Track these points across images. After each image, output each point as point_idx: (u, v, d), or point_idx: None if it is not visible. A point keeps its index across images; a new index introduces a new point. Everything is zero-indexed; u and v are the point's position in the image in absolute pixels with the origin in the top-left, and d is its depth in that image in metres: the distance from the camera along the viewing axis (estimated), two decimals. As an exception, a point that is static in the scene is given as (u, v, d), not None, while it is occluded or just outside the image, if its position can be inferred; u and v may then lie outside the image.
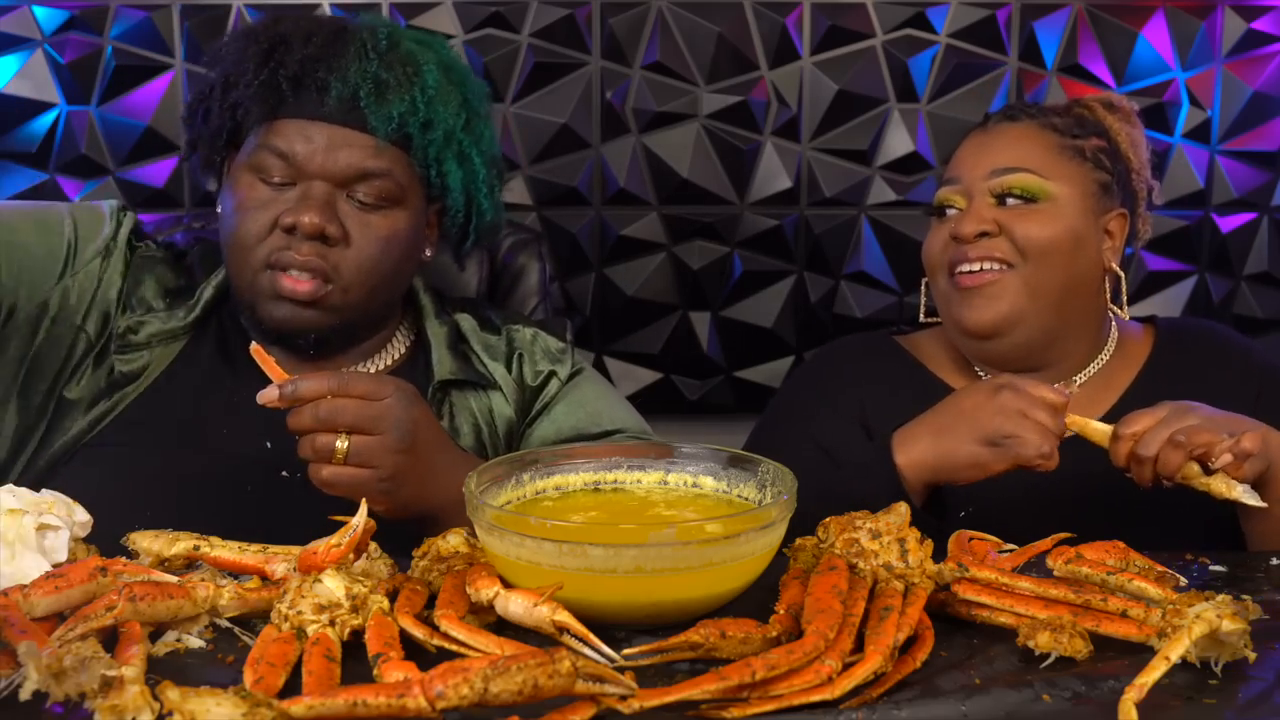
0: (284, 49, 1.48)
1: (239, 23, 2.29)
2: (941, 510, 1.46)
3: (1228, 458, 1.29)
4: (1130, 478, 1.36)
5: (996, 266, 1.57)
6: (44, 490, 1.16)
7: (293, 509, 1.32)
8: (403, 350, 1.64)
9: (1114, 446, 1.36)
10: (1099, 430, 1.37)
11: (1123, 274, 1.64)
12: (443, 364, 1.59)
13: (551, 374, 1.64)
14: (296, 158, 1.46)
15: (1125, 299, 1.64)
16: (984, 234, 1.57)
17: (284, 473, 1.45)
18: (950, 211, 1.63)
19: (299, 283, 1.46)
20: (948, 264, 1.61)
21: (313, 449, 1.25)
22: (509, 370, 1.63)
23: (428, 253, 1.61)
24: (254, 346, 1.28)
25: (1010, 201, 1.59)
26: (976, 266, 1.58)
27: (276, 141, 1.47)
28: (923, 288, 1.72)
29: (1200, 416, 1.33)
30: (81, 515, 1.17)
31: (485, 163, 1.59)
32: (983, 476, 1.39)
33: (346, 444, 1.25)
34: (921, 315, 1.72)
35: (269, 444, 1.47)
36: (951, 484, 1.41)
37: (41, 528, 1.13)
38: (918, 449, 1.41)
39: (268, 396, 1.24)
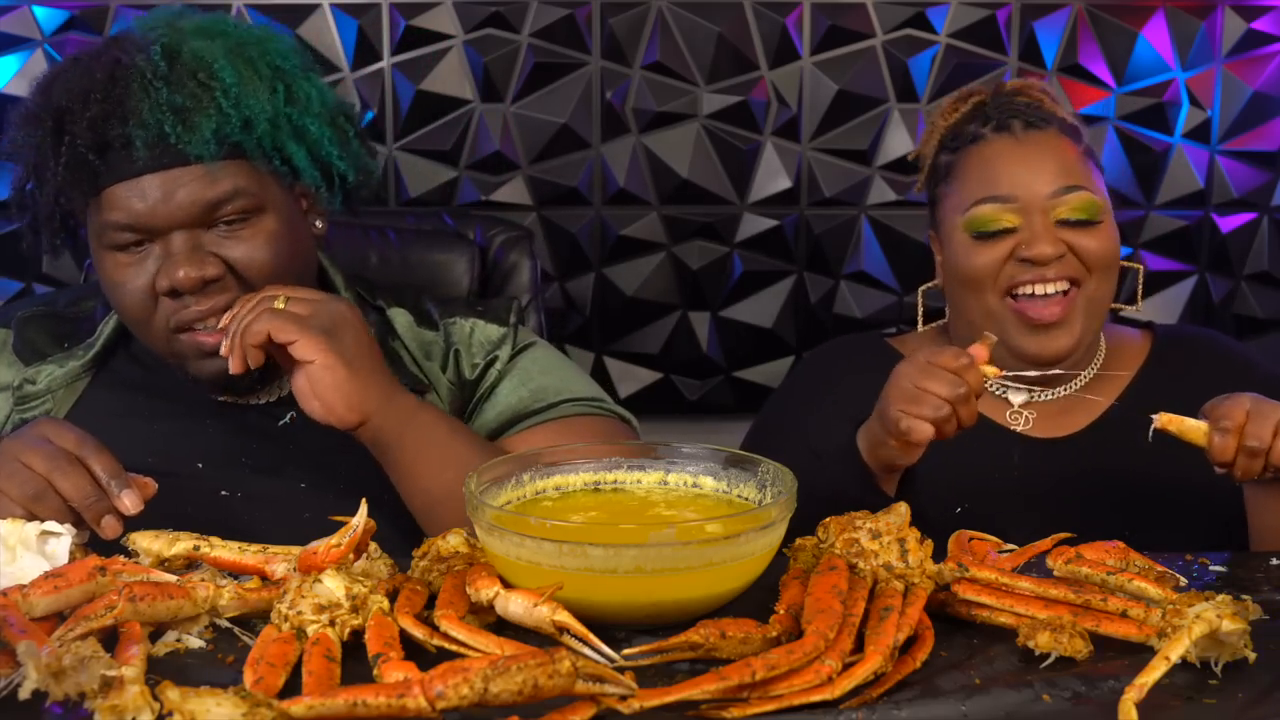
0: (68, 120, 1.39)
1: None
2: (912, 493, 1.42)
3: None
4: (1226, 475, 1.31)
5: (1066, 287, 1.54)
6: None
7: (238, 529, 1.30)
8: None
9: (1219, 441, 1.29)
10: (1196, 428, 1.31)
11: (1140, 267, 1.64)
12: None
13: (489, 364, 1.56)
14: (139, 220, 1.38)
15: (1140, 295, 1.64)
16: (1060, 257, 1.53)
17: (223, 492, 1.43)
18: (1001, 233, 1.55)
19: (214, 337, 1.40)
20: (1005, 286, 1.55)
21: (253, 307, 1.32)
22: (444, 369, 1.56)
23: (318, 225, 1.54)
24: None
25: (1070, 221, 1.54)
26: (1051, 289, 1.53)
27: (113, 215, 1.39)
28: (920, 295, 1.69)
29: (1277, 411, 1.30)
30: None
31: (323, 123, 1.49)
32: (897, 453, 1.34)
33: (284, 302, 1.32)
34: (920, 324, 1.69)
35: (200, 465, 1.46)
36: (888, 467, 1.38)
37: (43, 534, 1.13)
38: (864, 437, 1.40)
39: (227, 345, 1.34)
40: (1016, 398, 1.61)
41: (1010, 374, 1.44)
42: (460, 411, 1.56)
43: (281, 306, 1.33)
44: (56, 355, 1.53)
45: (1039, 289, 1.54)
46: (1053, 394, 1.62)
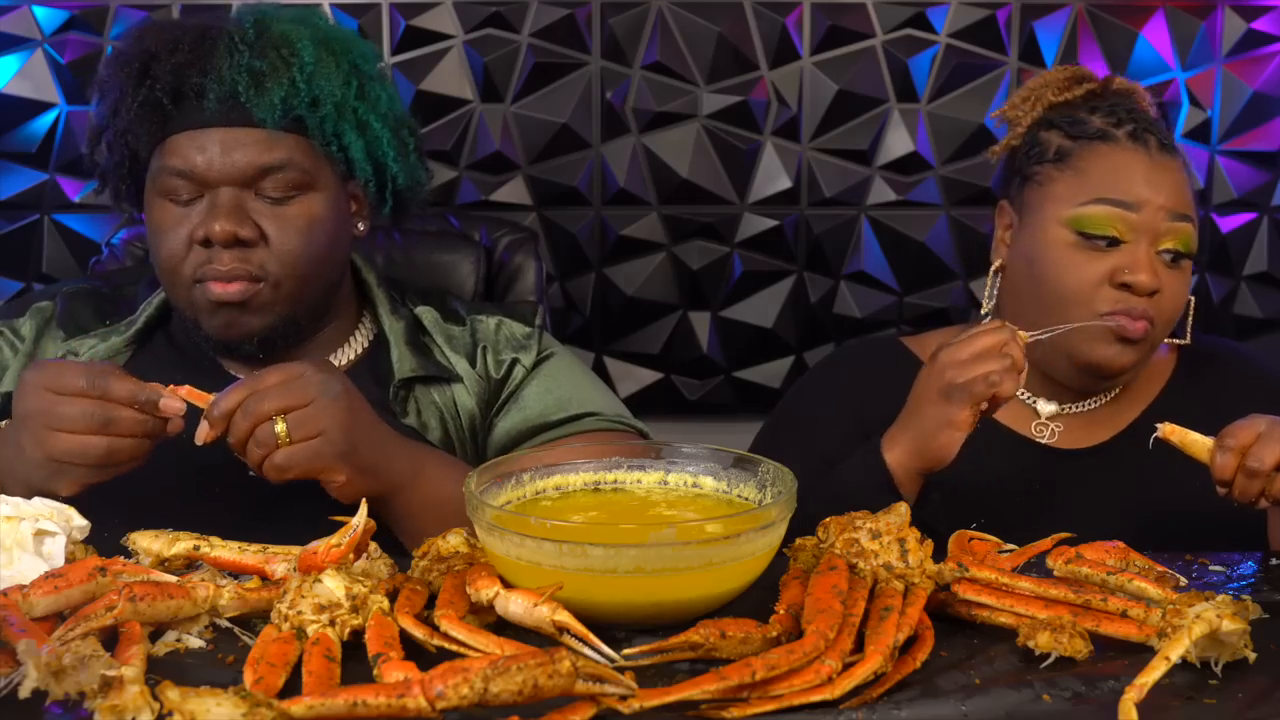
0: (154, 64, 1.46)
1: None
2: (926, 505, 1.43)
3: None
4: (1227, 495, 1.29)
5: (1148, 332, 1.51)
6: (36, 499, 1.16)
7: (265, 507, 1.33)
8: (364, 345, 1.62)
9: (1220, 459, 1.27)
10: (1198, 442, 1.29)
11: (1192, 299, 1.59)
12: (402, 361, 1.57)
13: (515, 361, 1.60)
14: (195, 170, 1.45)
15: (1190, 326, 1.60)
16: (1154, 292, 1.50)
17: (251, 472, 1.44)
18: (1108, 241, 1.50)
19: (227, 286, 1.45)
20: (1103, 311, 1.49)
21: (256, 444, 1.27)
22: (471, 364, 1.60)
23: (360, 227, 1.59)
24: (185, 389, 1.29)
25: (1170, 253, 1.51)
26: (1139, 321, 1.50)
27: (172, 161, 1.46)
28: (990, 278, 1.61)
29: None
30: (79, 520, 1.17)
31: (386, 125, 1.55)
32: (958, 435, 1.35)
33: (284, 424, 1.27)
34: (986, 305, 1.62)
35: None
36: (938, 462, 1.37)
37: (39, 533, 1.13)
38: (899, 441, 1.40)
39: (201, 435, 1.28)
40: (1046, 408, 1.59)
41: (1040, 332, 1.41)
42: (487, 405, 1.60)
43: (284, 432, 1.27)
44: (99, 330, 1.57)
45: (1127, 320, 1.49)
46: (1082, 407, 1.60)
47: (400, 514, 1.37)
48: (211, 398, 1.29)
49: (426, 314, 1.62)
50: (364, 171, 1.54)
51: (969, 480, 1.45)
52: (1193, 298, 1.59)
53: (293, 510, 1.26)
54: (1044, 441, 1.59)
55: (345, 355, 1.60)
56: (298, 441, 1.27)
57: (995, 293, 1.62)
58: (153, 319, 1.58)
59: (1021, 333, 1.33)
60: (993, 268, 1.62)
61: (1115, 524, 1.49)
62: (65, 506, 1.17)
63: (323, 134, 1.49)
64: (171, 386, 1.28)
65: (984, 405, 1.34)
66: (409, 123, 1.62)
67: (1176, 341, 1.60)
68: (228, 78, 1.45)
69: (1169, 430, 1.29)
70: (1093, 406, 1.60)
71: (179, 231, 1.46)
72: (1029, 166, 1.58)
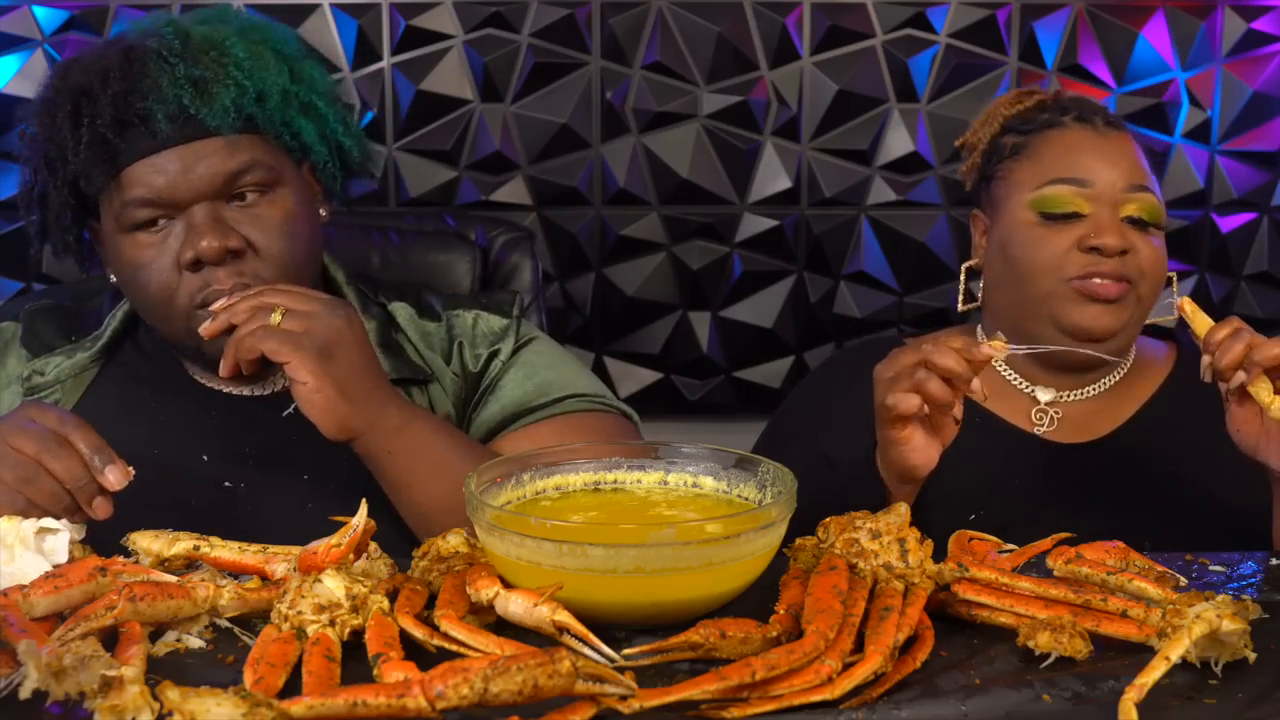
0: (88, 101, 1.42)
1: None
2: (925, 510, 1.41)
3: None
4: (1210, 370, 1.30)
5: (1124, 289, 1.54)
6: None
7: (241, 520, 1.31)
8: None
9: (1215, 325, 1.30)
10: (1205, 320, 1.32)
11: (1174, 275, 1.63)
12: None
13: (493, 355, 1.58)
14: (161, 195, 1.41)
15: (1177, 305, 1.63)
16: (1123, 251, 1.53)
17: (226, 483, 1.43)
18: (1069, 217, 1.56)
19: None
20: (1073, 276, 1.54)
21: (248, 312, 1.29)
22: (447, 361, 1.57)
23: (322, 213, 1.56)
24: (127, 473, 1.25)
25: (1135, 221, 1.55)
26: (1113, 282, 1.53)
27: (135, 192, 1.41)
28: (963, 274, 1.68)
29: None
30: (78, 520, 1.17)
31: (327, 101, 1.53)
32: (901, 450, 1.31)
33: (280, 314, 1.29)
34: (961, 304, 1.68)
35: (205, 457, 1.46)
36: (904, 474, 1.34)
37: (41, 531, 1.13)
38: (878, 444, 1.39)
39: (210, 327, 1.32)
40: (1044, 395, 1.61)
41: (1022, 347, 1.44)
42: (465, 403, 1.56)
43: (278, 320, 1.30)
44: (64, 347, 1.54)
45: (1100, 280, 1.53)
46: (1075, 395, 1.61)
47: (384, 456, 1.36)
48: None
49: (401, 311, 1.59)
50: (320, 153, 1.52)
51: (968, 474, 1.45)
52: (1173, 274, 1.62)
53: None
54: (1042, 434, 1.60)
55: None
56: (287, 328, 1.29)
57: (964, 291, 1.69)
58: (118, 331, 1.56)
59: (996, 343, 1.28)
60: (964, 265, 1.69)
61: (1113, 519, 1.49)
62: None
63: (274, 126, 1.47)
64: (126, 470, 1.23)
65: (923, 411, 1.29)
66: (339, 95, 1.59)
67: (1162, 322, 1.64)
68: (170, 94, 1.40)
69: (1185, 301, 1.33)
70: (1090, 395, 1.61)
71: (162, 261, 1.42)
72: (991, 168, 1.66)
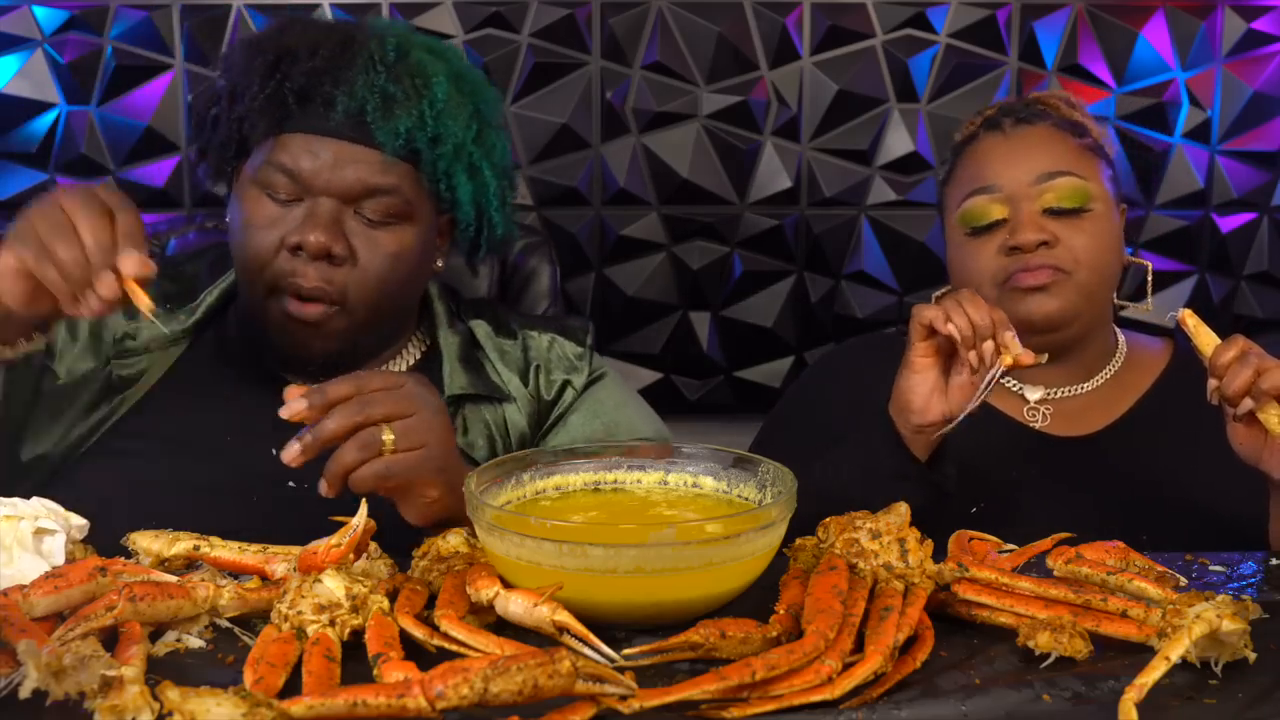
0: (289, 61, 1.45)
1: (239, 23, 2.29)
2: (943, 482, 1.42)
3: None
4: (1215, 395, 1.29)
5: (1051, 278, 1.55)
6: (34, 499, 1.16)
7: (302, 521, 1.30)
8: (415, 359, 1.60)
9: (1223, 345, 1.28)
10: (1209, 336, 1.30)
11: (1149, 264, 1.65)
12: (454, 378, 1.55)
13: (567, 384, 1.60)
14: (302, 174, 1.44)
15: (1150, 291, 1.64)
16: (1044, 243, 1.54)
17: (291, 484, 1.42)
18: (993, 226, 1.58)
19: (306, 307, 1.44)
20: (1002, 280, 1.57)
21: (359, 446, 1.19)
22: (524, 382, 1.59)
23: (439, 263, 1.58)
24: (287, 389, 1.22)
25: (1057, 211, 1.56)
26: (1036, 271, 1.55)
27: (282, 157, 1.44)
28: (934, 299, 1.71)
29: None
30: (77, 520, 1.17)
31: (496, 174, 1.55)
32: (905, 372, 1.38)
33: (391, 433, 1.20)
34: None
35: (275, 452, 1.46)
36: (903, 406, 1.38)
37: (39, 532, 1.13)
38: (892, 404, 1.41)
39: (294, 409, 1.19)
40: (1032, 394, 1.61)
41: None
42: (536, 425, 1.59)
43: (389, 438, 1.20)
44: (159, 315, 1.52)
45: (1028, 278, 1.55)
46: (1070, 391, 1.62)
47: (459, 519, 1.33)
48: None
49: (480, 328, 1.61)
50: (466, 215, 1.53)
51: (967, 462, 1.46)
52: (1149, 264, 1.64)
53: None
54: (1037, 427, 1.60)
55: (396, 368, 1.59)
56: (402, 451, 1.20)
57: None
58: (210, 310, 1.56)
59: (1189, 312, 1.31)
60: (936, 293, 1.70)
61: (1107, 512, 1.49)
62: (60, 508, 1.17)
63: (434, 171, 1.48)
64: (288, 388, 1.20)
65: (944, 330, 1.33)
66: (511, 175, 1.61)
67: (1134, 308, 1.64)
68: (359, 93, 1.43)
69: (1187, 315, 1.32)
70: (1084, 391, 1.63)
71: (271, 232, 1.44)
72: (940, 192, 1.72)
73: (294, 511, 1.35)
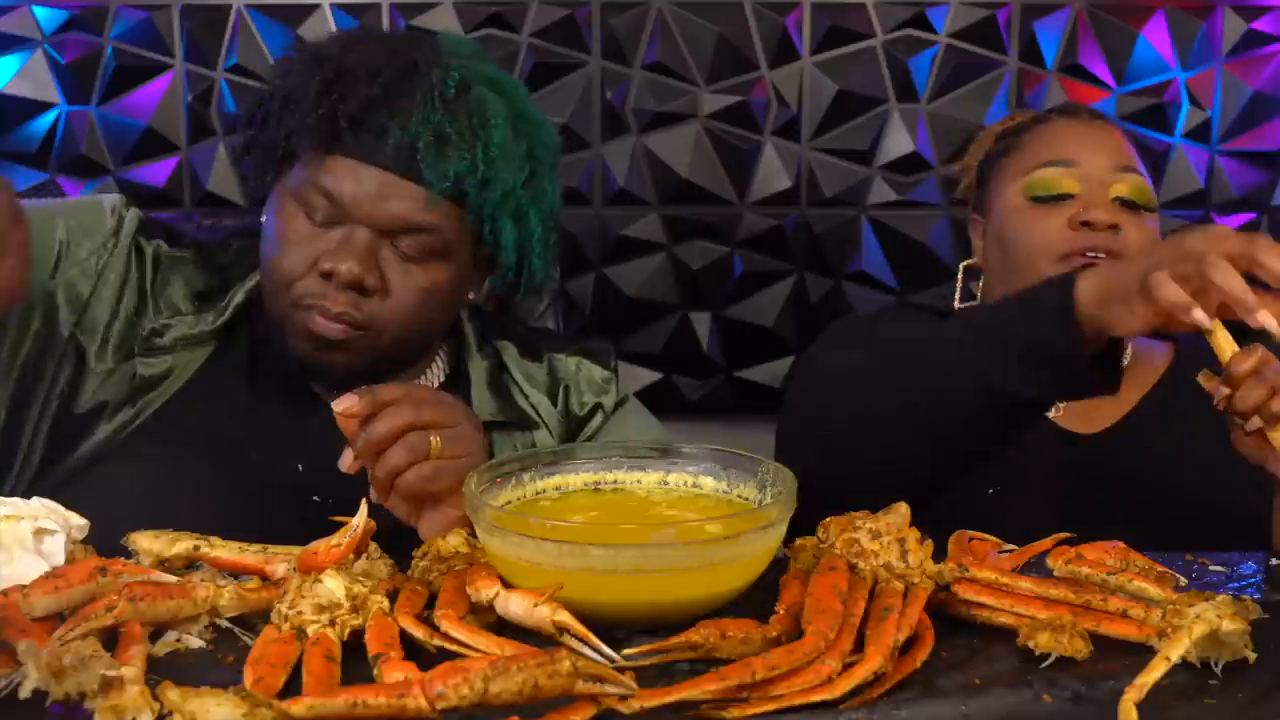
0: (348, 83, 1.41)
1: (239, 23, 2.29)
2: (1116, 376, 1.32)
3: None
4: (1225, 404, 1.25)
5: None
6: (35, 499, 1.16)
7: (323, 535, 1.30)
8: (439, 380, 1.58)
9: (1240, 356, 1.24)
10: (1226, 339, 1.25)
11: None
12: (482, 405, 1.53)
13: (597, 406, 1.59)
14: (344, 199, 1.40)
15: None
16: (1113, 227, 1.56)
17: (315, 498, 1.40)
18: (1060, 198, 1.59)
19: (330, 323, 1.41)
20: (1066, 252, 1.56)
21: (407, 448, 1.19)
22: (554, 404, 1.57)
23: (471, 295, 1.55)
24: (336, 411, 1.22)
25: (1127, 202, 1.59)
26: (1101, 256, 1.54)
27: (325, 180, 1.41)
28: (961, 273, 1.72)
29: None
30: (77, 520, 1.17)
31: (542, 221, 1.50)
32: (1124, 312, 1.22)
33: (438, 439, 1.20)
34: (958, 303, 1.71)
35: (300, 467, 1.44)
36: (1097, 322, 1.24)
37: (39, 532, 1.13)
38: (1096, 277, 1.27)
39: (345, 403, 1.19)
40: None
41: None
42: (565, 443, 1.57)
43: (437, 441, 1.20)
44: (187, 314, 1.52)
45: (1094, 254, 1.55)
46: None
47: None
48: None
49: (507, 349, 1.59)
50: (508, 260, 1.48)
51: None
52: None
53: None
54: (1051, 416, 1.61)
55: None
56: (447, 458, 1.21)
57: (961, 290, 1.72)
58: (237, 313, 1.52)
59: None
60: (963, 264, 1.73)
61: (1109, 510, 1.49)
62: (60, 507, 1.17)
63: (480, 214, 1.44)
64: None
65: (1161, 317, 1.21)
66: (558, 221, 1.57)
67: None
68: (414, 129, 1.39)
69: (1216, 324, 1.24)
70: None
71: (304, 251, 1.41)
72: (985, 172, 1.72)
73: (316, 525, 1.34)
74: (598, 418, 1.59)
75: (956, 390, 1.32)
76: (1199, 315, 1.19)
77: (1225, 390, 1.25)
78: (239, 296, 1.53)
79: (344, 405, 1.20)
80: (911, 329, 1.50)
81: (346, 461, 1.21)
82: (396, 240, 1.42)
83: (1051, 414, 1.61)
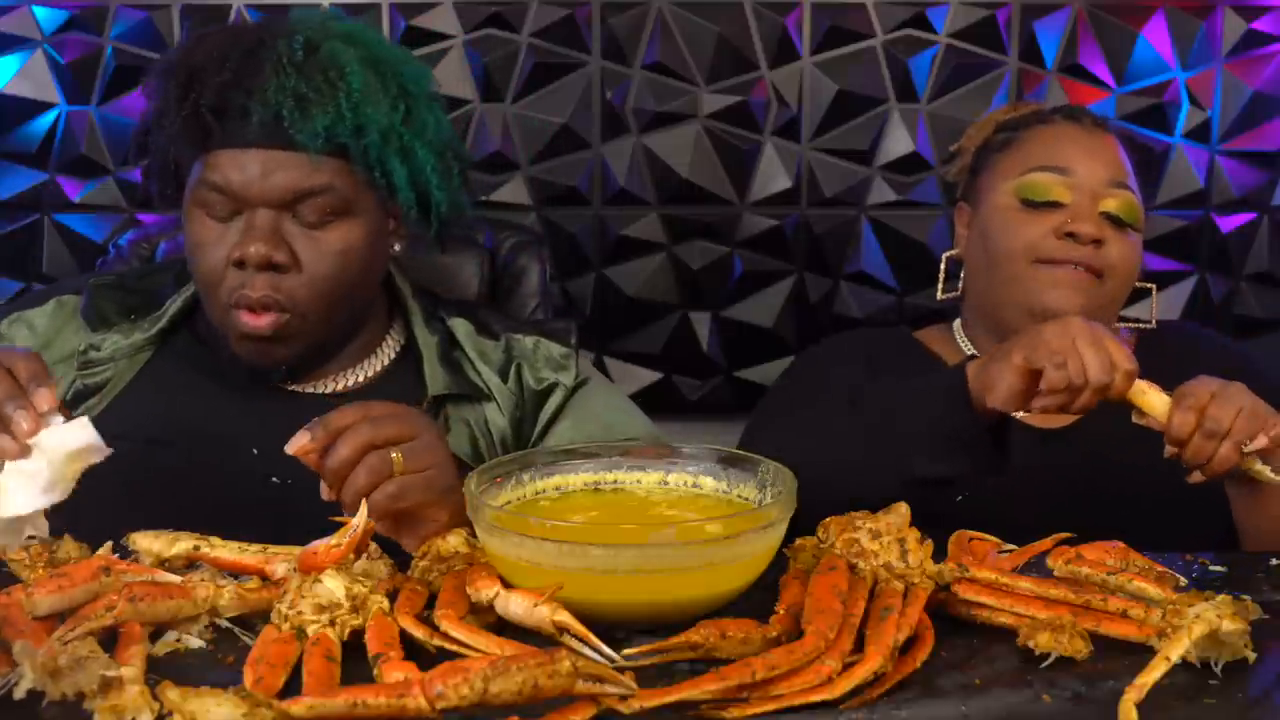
0: (200, 79, 1.44)
1: (239, 21, 2.29)
2: (1004, 450, 1.38)
3: (1262, 440, 1.25)
4: (1176, 458, 1.28)
5: (1088, 279, 1.58)
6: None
7: (287, 515, 1.30)
8: (391, 356, 1.59)
9: (1180, 418, 1.26)
10: (1158, 400, 1.28)
11: (1154, 286, 1.69)
12: (435, 379, 1.54)
13: (556, 383, 1.59)
14: (233, 188, 1.43)
15: (1155, 310, 1.70)
16: (1097, 242, 1.57)
17: (274, 479, 1.42)
18: (1049, 205, 1.60)
19: (257, 319, 1.43)
20: (1046, 258, 1.58)
21: (367, 470, 1.17)
22: (504, 379, 1.58)
23: (396, 247, 1.57)
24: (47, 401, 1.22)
25: (1113, 218, 1.59)
26: (1081, 270, 1.57)
27: (212, 176, 1.44)
28: (943, 263, 1.71)
29: (1242, 398, 1.28)
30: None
31: (432, 151, 1.52)
32: (1003, 369, 1.30)
33: (399, 454, 1.18)
34: (940, 293, 1.72)
35: (255, 451, 1.46)
36: (981, 388, 1.32)
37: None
38: (979, 363, 1.36)
39: (298, 443, 1.18)
40: None
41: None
42: (520, 423, 1.58)
43: (398, 456, 1.18)
44: (123, 326, 1.55)
45: (1071, 268, 1.57)
46: None
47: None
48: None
49: (460, 326, 1.60)
50: (406, 198, 1.51)
51: None
52: (1153, 286, 1.68)
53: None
54: (1019, 416, 1.61)
55: (371, 368, 1.58)
56: (410, 473, 1.19)
57: (944, 281, 1.72)
58: (177, 316, 1.56)
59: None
60: (945, 255, 1.73)
61: (1087, 504, 1.49)
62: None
63: (365, 161, 1.46)
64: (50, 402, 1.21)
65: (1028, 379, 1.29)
66: (455, 147, 1.58)
67: (1142, 326, 1.68)
68: (272, 100, 1.42)
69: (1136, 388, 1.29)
70: None
71: (217, 251, 1.44)
72: (979, 162, 1.72)
73: (277, 508, 1.35)
74: (557, 394, 1.59)
75: (880, 484, 1.30)
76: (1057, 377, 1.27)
77: (1172, 449, 1.29)
78: (176, 305, 1.56)
79: (297, 445, 1.18)
80: (829, 422, 1.46)
81: (324, 491, 1.20)
82: (298, 211, 1.44)
83: (1020, 415, 1.61)
